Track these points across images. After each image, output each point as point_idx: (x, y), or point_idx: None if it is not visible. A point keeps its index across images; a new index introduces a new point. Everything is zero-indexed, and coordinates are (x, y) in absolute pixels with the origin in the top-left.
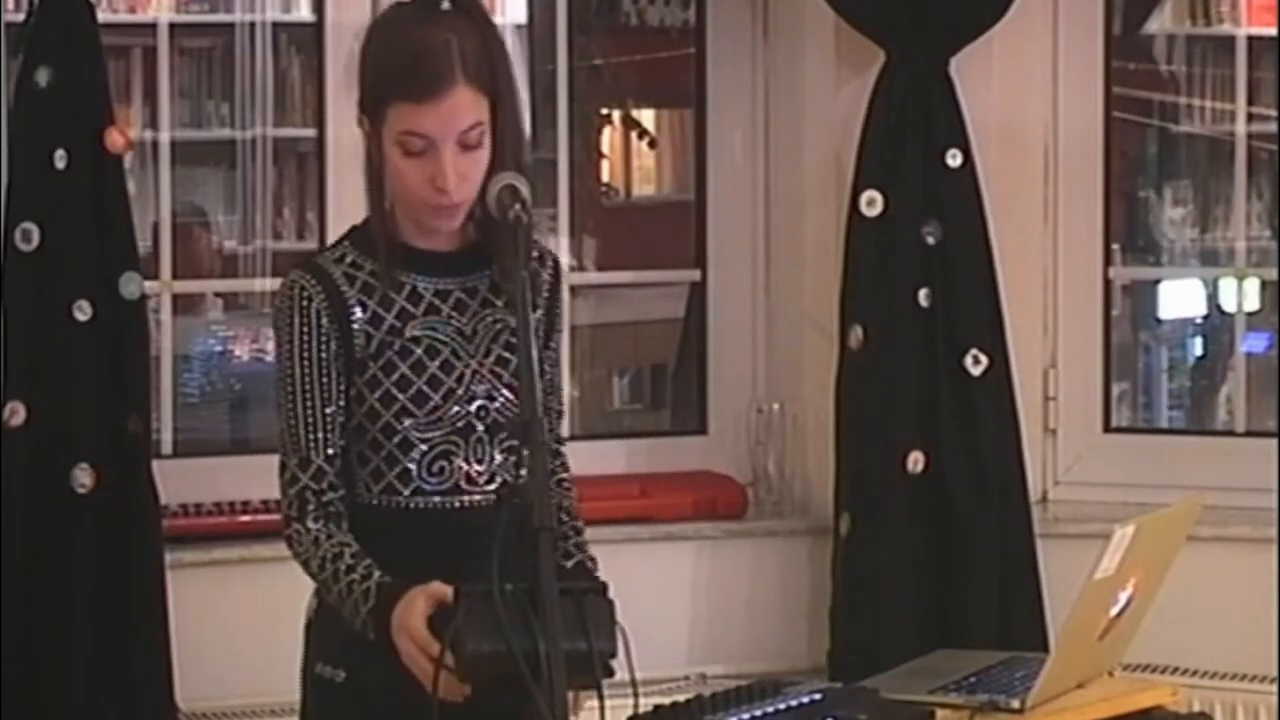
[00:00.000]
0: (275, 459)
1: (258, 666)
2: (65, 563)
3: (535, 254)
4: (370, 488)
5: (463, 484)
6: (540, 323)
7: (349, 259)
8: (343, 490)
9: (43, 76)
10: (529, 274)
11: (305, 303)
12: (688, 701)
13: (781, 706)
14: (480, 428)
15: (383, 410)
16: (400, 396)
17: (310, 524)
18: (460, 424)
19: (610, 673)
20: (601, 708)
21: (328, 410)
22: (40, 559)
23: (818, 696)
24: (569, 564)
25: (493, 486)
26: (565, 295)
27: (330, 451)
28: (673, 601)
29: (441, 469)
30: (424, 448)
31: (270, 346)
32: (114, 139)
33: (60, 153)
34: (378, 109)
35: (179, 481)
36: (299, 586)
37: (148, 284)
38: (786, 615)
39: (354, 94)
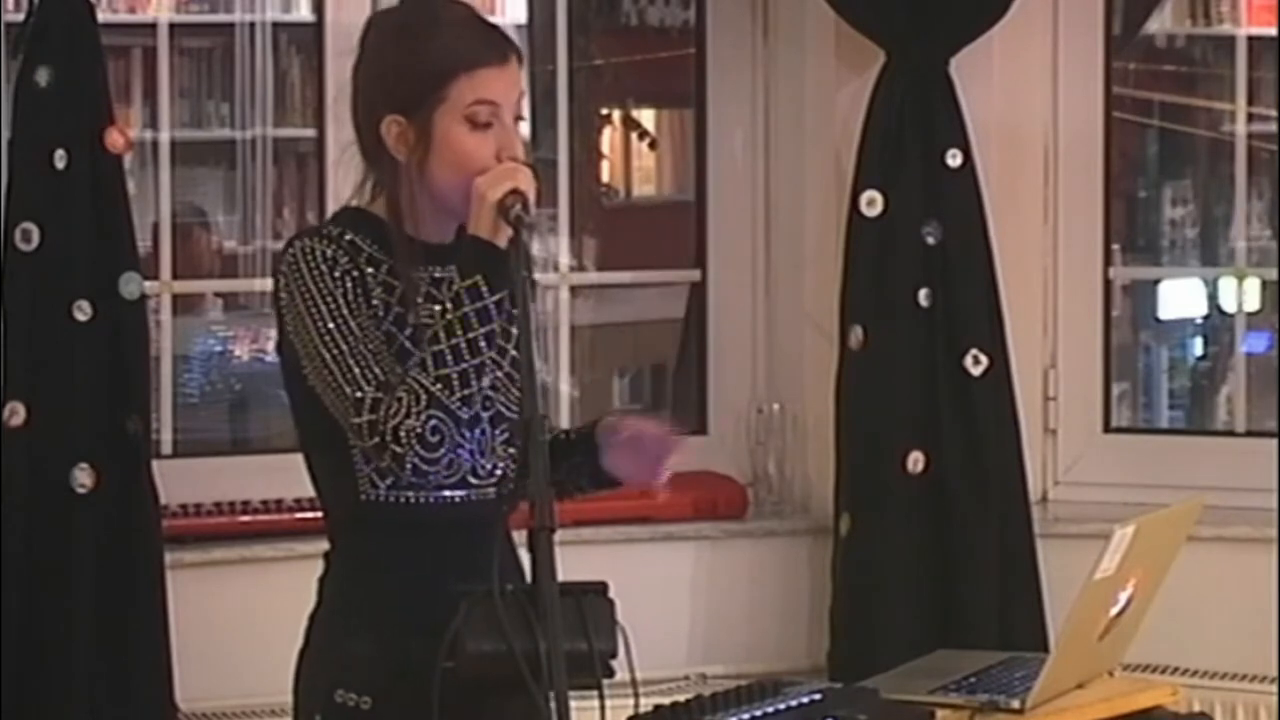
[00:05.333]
0: (274, 459)
1: (258, 666)
2: (65, 563)
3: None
4: (376, 483)
5: (469, 477)
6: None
7: (348, 237)
8: None
9: (43, 76)
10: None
11: (331, 261)
12: (688, 701)
13: (781, 706)
14: (485, 419)
15: None
16: None
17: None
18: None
19: (610, 673)
20: (602, 708)
21: (384, 349)
22: (40, 559)
23: (818, 696)
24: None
25: (496, 480)
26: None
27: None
28: (673, 601)
29: (450, 462)
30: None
31: (270, 346)
32: (114, 139)
33: (60, 153)
34: (437, 89)
35: (179, 481)
36: (299, 587)
37: (148, 284)
38: (786, 615)
39: (356, 104)
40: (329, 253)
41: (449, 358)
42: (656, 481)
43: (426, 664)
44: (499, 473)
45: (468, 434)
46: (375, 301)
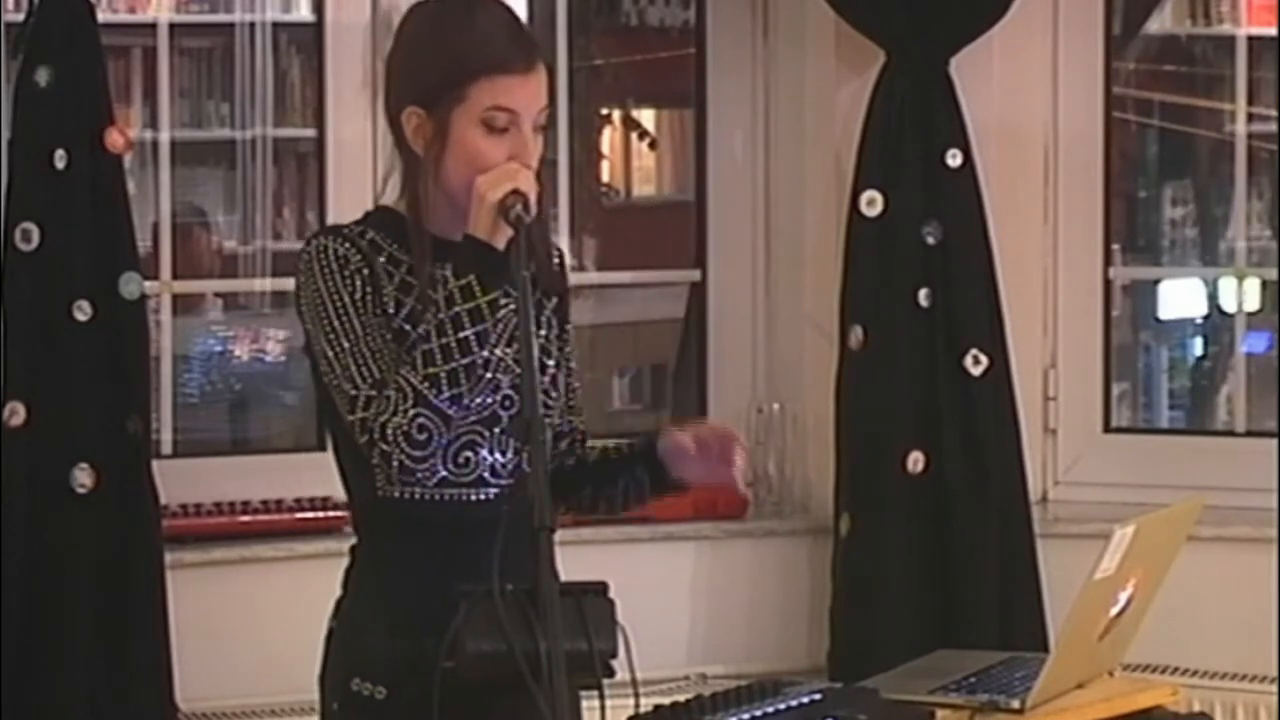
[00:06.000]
0: (274, 459)
1: (258, 666)
2: (65, 562)
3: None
4: (391, 479)
5: (487, 476)
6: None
7: (369, 236)
8: None
9: (43, 76)
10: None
11: (343, 260)
12: (688, 701)
13: (781, 706)
14: (504, 418)
15: None
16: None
17: (389, 393)
18: (485, 414)
19: (610, 672)
20: (602, 708)
21: (388, 348)
22: (40, 559)
23: (818, 696)
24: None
25: (515, 480)
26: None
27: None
28: (673, 601)
29: (467, 460)
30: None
31: (270, 346)
32: (114, 139)
33: (60, 153)
34: (456, 89)
35: (179, 481)
36: (299, 587)
37: (148, 284)
38: (786, 615)
39: (387, 92)
40: (341, 250)
41: (438, 356)
42: (731, 477)
43: (436, 662)
44: (519, 474)
45: (486, 433)
46: (387, 299)
